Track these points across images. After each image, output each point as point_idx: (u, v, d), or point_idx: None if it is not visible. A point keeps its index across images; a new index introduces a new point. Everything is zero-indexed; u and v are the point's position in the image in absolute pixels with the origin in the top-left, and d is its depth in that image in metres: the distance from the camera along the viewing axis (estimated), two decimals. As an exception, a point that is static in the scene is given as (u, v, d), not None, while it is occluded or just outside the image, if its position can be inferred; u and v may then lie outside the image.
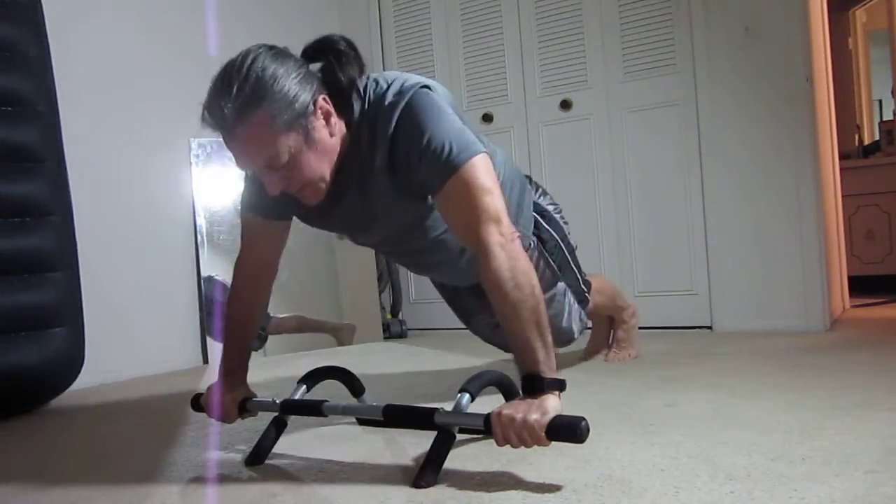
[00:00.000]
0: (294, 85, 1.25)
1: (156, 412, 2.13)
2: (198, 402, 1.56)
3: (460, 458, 1.33)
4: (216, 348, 3.04)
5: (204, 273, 3.07)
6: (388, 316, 3.66)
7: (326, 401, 1.42)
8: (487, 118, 3.51)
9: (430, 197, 1.42)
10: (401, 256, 1.83)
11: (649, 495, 1.09)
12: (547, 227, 1.89)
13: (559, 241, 1.90)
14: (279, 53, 1.28)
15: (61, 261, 2.26)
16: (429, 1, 3.65)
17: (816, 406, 1.60)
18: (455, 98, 3.68)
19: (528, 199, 1.83)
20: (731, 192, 2.97)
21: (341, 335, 3.37)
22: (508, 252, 1.24)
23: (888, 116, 4.95)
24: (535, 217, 1.87)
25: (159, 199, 3.00)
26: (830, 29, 3.61)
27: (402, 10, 3.74)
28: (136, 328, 2.82)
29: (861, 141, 4.94)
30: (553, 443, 1.16)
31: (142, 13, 2.98)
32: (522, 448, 1.19)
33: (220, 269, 3.10)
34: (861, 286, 4.06)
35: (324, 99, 1.30)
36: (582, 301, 1.98)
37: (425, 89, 1.35)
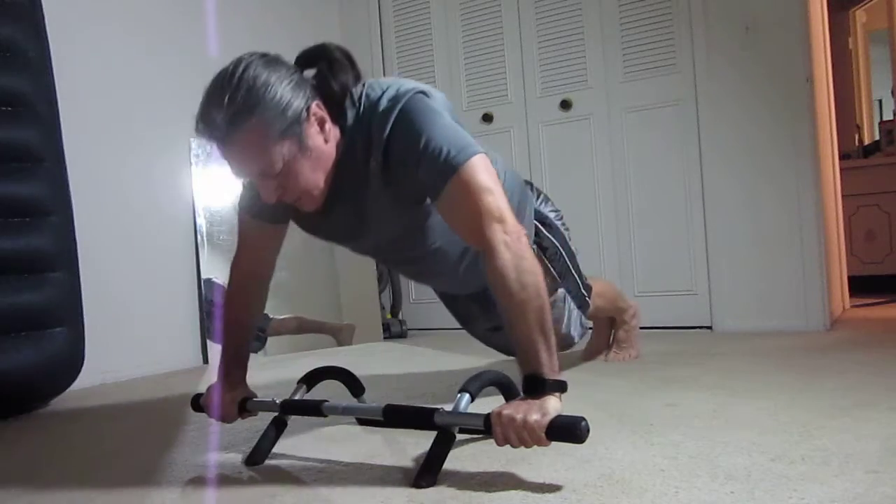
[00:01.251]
0: (287, 92, 1.24)
1: (156, 412, 2.12)
2: (198, 403, 1.56)
3: (460, 458, 1.33)
4: (216, 349, 3.04)
5: (204, 273, 3.07)
6: (388, 316, 3.66)
7: (326, 401, 1.42)
8: (487, 118, 3.51)
9: (426, 203, 1.41)
10: (398, 265, 1.82)
11: (649, 495, 1.09)
12: (547, 234, 1.88)
13: (559, 247, 1.90)
14: (271, 61, 1.27)
15: (61, 261, 2.26)
16: (429, 1, 3.65)
17: (816, 406, 1.60)
18: (455, 98, 3.66)
19: (528, 208, 1.82)
20: (731, 192, 2.97)
21: (341, 335, 3.37)
22: (514, 251, 1.23)
23: (888, 116, 4.95)
24: (535, 224, 1.86)
25: (159, 200, 3.00)
26: (830, 29, 3.61)
27: (402, 10, 3.74)
28: (136, 328, 2.82)
29: (861, 141, 4.94)
30: (553, 443, 1.16)
31: (142, 13, 2.98)
32: (522, 448, 1.19)
33: (220, 270, 3.10)
34: (861, 286, 4.06)
35: (317, 105, 1.29)
36: (582, 306, 1.97)
37: (420, 94, 1.33)
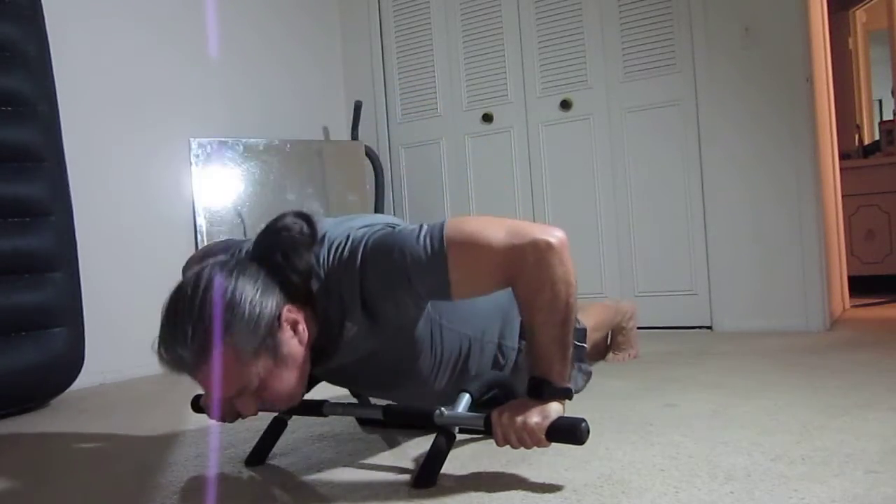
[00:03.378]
0: (255, 306, 1.14)
1: (155, 412, 2.12)
2: (198, 403, 1.56)
3: (460, 458, 1.33)
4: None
5: (204, 273, 3.08)
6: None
7: (326, 401, 1.42)
8: (487, 118, 3.50)
9: (416, 318, 1.30)
10: (370, 390, 1.62)
11: (649, 495, 1.10)
12: None
13: None
14: (233, 269, 1.16)
15: (61, 261, 2.26)
16: (429, 1, 3.65)
17: (816, 406, 1.60)
18: (455, 98, 3.65)
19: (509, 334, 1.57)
20: (731, 192, 2.97)
21: None
22: (542, 265, 1.14)
23: (888, 116, 4.95)
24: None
25: (159, 200, 3.00)
26: (830, 29, 3.61)
27: (402, 10, 3.73)
28: (136, 328, 2.81)
29: (861, 141, 4.93)
30: (553, 443, 1.16)
31: (142, 13, 2.98)
32: (522, 448, 1.19)
33: (220, 269, 3.10)
34: (861, 286, 4.06)
35: (288, 310, 1.19)
36: (581, 359, 1.83)
37: (370, 230, 1.25)
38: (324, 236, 1.27)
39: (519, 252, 1.15)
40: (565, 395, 1.20)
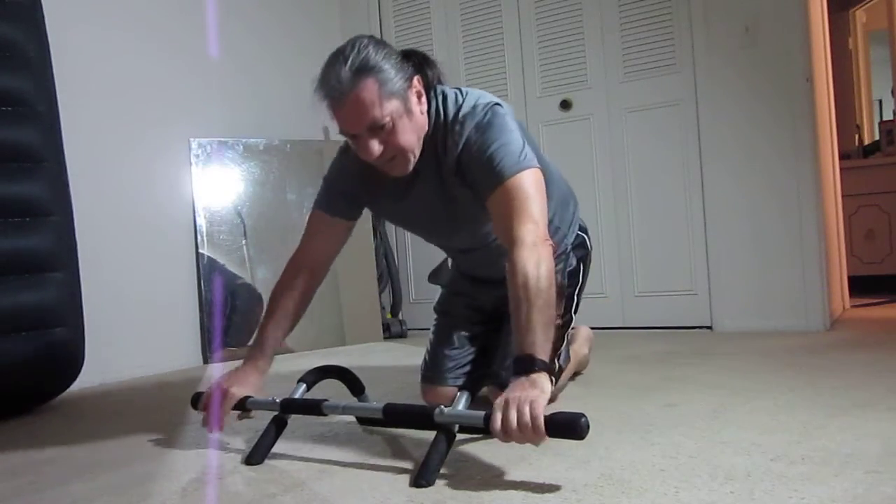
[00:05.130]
0: (395, 64, 1.42)
1: (156, 412, 2.12)
2: (198, 401, 1.56)
3: (460, 458, 1.33)
4: (216, 348, 3.04)
5: (204, 274, 3.07)
6: (388, 316, 3.66)
7: (326, 400, 1.42)
8: (487, 118, 3.50)
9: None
10: (459, 253, 1.86)
11: (649, 495, 1.10)
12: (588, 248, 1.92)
13: (580, 277, 1.89)
14: (380, 42, 1.46)
15: (61, 261, 2.26)
16: (429, 1, 3.65)
17: (816, 406, 1.60)
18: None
19: (577, 218, 1.89)
20: (731, 192, 2.97)
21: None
22: (540, 251, 1.32)
23: (888, 116, 4.95)
24: (578, 234, 1.89)
25: (159, 200, 3.00)
26: (830, 29, 3.61)
27: (402, 10, 3.73)
28: (136, 328, 2.82)
29: (861, 141, 4.94)
30: (553, 443, 1.16)
31: (142, 13, 2.98)
32: (523, 448, 1.19)
33: (219, 269, 3.11)
34: (861, 286, 4.06)
35: (417, 79, 1.46)
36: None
37: (496, 106, 1.50)
38: (444, 89, 1.55)
39: (532, 226, 1.36)
40: (550, 368, 1.25)
